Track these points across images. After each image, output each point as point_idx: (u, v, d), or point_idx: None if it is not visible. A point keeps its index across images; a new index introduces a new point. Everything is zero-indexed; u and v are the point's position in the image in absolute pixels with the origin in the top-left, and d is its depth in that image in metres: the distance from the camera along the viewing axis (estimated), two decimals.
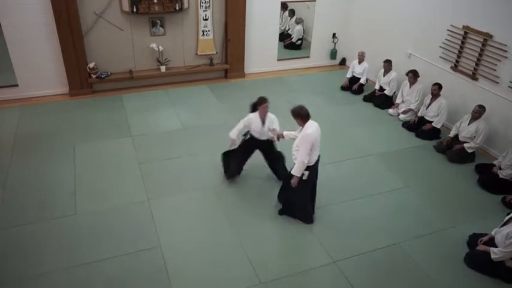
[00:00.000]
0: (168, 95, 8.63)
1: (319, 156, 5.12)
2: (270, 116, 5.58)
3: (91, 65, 8.23)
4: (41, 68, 8.02)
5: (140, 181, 6.01)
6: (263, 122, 5.55)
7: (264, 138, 5.68)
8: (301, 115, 4.87)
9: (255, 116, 5.58)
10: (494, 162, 6.41)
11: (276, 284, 4.53)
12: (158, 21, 8.45)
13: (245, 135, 5.79)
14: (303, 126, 4.91)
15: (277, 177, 6.02)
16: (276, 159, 5.96)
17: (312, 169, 5.05)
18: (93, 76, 8.31)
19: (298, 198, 5.23)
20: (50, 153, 6.54)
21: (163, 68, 8.76)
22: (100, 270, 4.58)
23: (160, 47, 8.48)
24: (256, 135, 5.68)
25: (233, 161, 5.92)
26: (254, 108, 5.62)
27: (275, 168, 6.03)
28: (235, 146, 5.77)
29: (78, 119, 7.55)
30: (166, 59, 8.74)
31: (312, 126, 4.88)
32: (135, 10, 7.98)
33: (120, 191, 5.81)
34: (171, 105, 8.20)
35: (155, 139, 7.05)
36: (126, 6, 7.95)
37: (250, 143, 5.81)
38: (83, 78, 8.25)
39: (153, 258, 4.76)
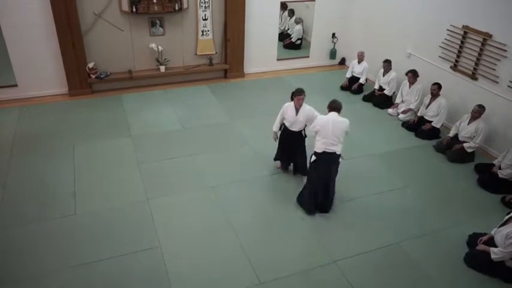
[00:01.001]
0: (167, 95, 8.63)
1: (332, 153, 5.20)
2: (305, 108, 5.69)
3: (90, 65, 8.22)
4: (40, 68, 8.01)
5: (140, 181, 6.01)
6: (297, 111, 5.68)
7: (295, 129, 5.78)
8: (329, 106, 5.32)
9: (290, 105, 5.74)
10: (494, 161, 6.41)
11: (276, 284, 4.53)
12: (158, 21, 8.45)
13: (281, 127, 5.98)
14: None
15: (294, 171, 6.22)
16: (300, 153, 6.00)
17: (321, 159, 5.22)
18: (93, 76, 8.30)
19: (307, 184, 5.56)
20: (49, 153, 6.54)
21: (162, 68, 8.76)
22: (99, 271, 4.57)
23: (160, 47, 8.48)
24: (287, 123, 5.79)
25: (281, 155, 6.19)
26: (292, 97, 5.78)
27: (295, 162, 6.13)
28: (277, 139, 6.07)
29: (78, 119, 7.55)
30: (165, 59, 8.74)
31: (328, 115, 5.26)
32: (134, 10, 7.97)
33: (119, 191, 5.80)
34: (170, 105, 8.20)
35: (154, 139, 7.05)
36: (125, 6, 7.95)
37: (284, 135, 5.95)
38: (82, 78, 8.24)
39: (152, 259, 4.76)
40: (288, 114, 5.72)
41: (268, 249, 4.99)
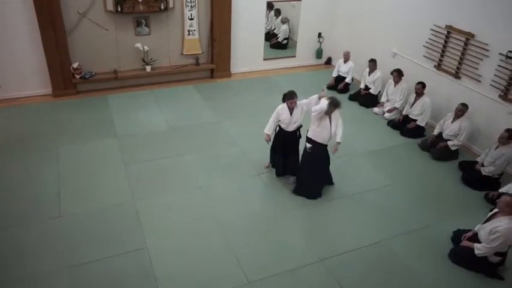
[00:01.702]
0: (153, 95, 8.57)
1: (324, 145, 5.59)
2: (300, 104, 5.71)
3: (75, 65, 8.12)
4: (22, 68, 7.88)
5: (126, 182, 5.96)
6: (291, 112, 5.69)
7: (291, 129, 5.78)
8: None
9: (283, 107, 5.73)
10: (477, 159, 6.52)
11: (264, 283, 4.54)
12: (143, 21, 8.39)
13: (275, 128, 5.96)
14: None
15: (286, 170, 6.16)
16: (293, 152, 5.98)
17: (315, 146, 5.56)
18: (77, 76, 8.20)
19: (300, 171, 5.91)
20: (33, 155, 6.43)
21: (148, 68, 8.70)
22: (85, 273, 4.52)
23: (146, 47, 8.41)
24: (283, 125, 5.79)
25: (276, 161, 6.13)
26: (284, 100, 5.79)
27: (287, 161, 6.06)
28: (271, 141, 6.01)
29: (62, 120, 7.44)
30: (151, 58, 8.68)
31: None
32: (119, 9, 7.89)
33: (105, 192, 5.74)
34: (156, 106, 8.14)
35: (141, 140, 7.00)
36: (110, 6, 7.87)
37: (279, 136, 5.94)
38: (66, 78, 8.13)
39: (139, 260, 4.72)
40: (283, 117, 5.71)
41: (256, 249, 5.00)
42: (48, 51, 7.77)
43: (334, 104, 5.32)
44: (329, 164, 5.94)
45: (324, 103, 5.38)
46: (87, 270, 4.56)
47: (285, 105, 5.71)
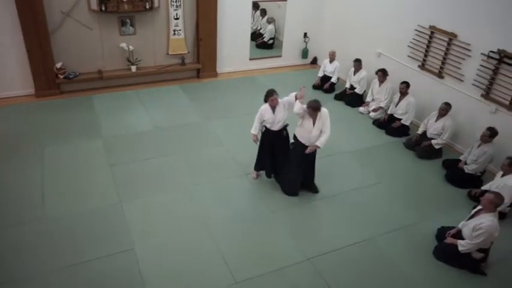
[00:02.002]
0: (139, 95, 8.50)
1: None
2: (282, 102, 5.66)
3: (58, 65, 8.00)
4: (4, 68, 7.73)
5: (112, 183, 5.90)
6: (273, 110, 5.67)
7: (276, 128, 5.75)
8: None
9: (265, 107, 5.70)
10: (460, 157, 6.64)
11: (252, 283, 4.55)
12: (128, 20, 8.31)
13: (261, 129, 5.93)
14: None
15: (275, 170, 6.10)
16: (283, 152, 5.95)
17: (297, 143, 5.63)
18: (61, 76, 8.08)
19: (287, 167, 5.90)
20: (16, 157, 6.32)
21: (134, 68, 8.62)
22: (71, 276, 4.47)
23: (131, 47, 8.34)
24: (268, 125, 5.76)
25: (264, 161, 6.05)
26: (265, 100, 5.75)
27: (277, 161, 6.02)
28: (258, 141, 5.95)
29: (46, 121, 7.33)
30: (137, 58, 8.60)
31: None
32: (103, 9, 7.81)
33: (91, 194, 5.68)
34: (142, 106, 8.08)
35: (127, 140, 6.93)
36: (94, 5, 7.78)
37: (265, 136, 5.90)
38: (50, 78, 8.01)
39: (126, 261, 4.69)
40: (267, 117, 5.68)
41: (243, 249, 5.00)
42: (30, 51, 7.64)
43: (312, 108, 5.30)
44: (312, 168, 5.89)
45: (299, 105, 5.38)
46: (72, 273, 4.51)
47: (267, 105, 5.69)
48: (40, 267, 4.54)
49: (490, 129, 6.08)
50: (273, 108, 5.65)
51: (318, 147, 5.56)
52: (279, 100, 5.64)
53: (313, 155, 5.76)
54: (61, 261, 4.62)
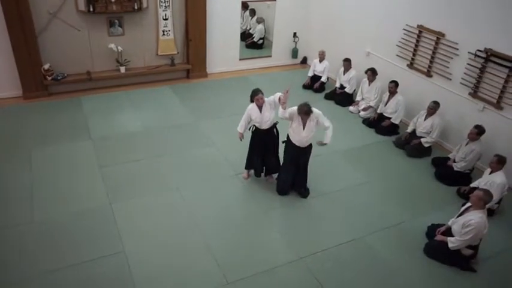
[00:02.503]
0: (128, 96, 8.43)
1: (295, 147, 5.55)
2: (268, 101, 5.64)
3: (46, 67, 7.91)
4: None
5: (101, 185, 5.85)
6: (260, 110, 5.66)
7: (265, 127, 5.74)
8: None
9: (252, 107, 5.70)
10: (449, 155, 6.70)
11: (244, 284, 4.54)
12: (116, 21, 8.25)
13: (250, 128, 5.90)
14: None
15: (266, 169, 6.11)
16: (273, 151, 5.95)
17: (288, 143, 5.63)
18: (49, 78, 7.99)
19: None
20: (4, 160, 6.23)
21: (123, 69, 8.56)
22: (61, 279, 4.42)
23: (119, 47, 8.28)
24: (257, 125, 5.76)
25: (254, 160, 6.02)
26: (251, 100, 5.74)
27: (269, 162, 6.01)
28: (243, 139, 5.95)
29: (34, 123, 7.24)
30: (125, 59, 8.54)
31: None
32: (91, 9, 7.74)
33: (80, 196, 5.62)
34: (132, 107, 8.02)
35: (116, 142, 6.88)
36: (82, 6, 7.70)
37: (256, 135, 5.89)
38: (37, 80, 7.92)
39: (116, 264, 4.65)
40: (254, 116, 5.70)
41: (235, 249, 4.99)
42: (17, 52, 7.55)
43: (304, 112, 5.29)
44: (305, 171, 5.83)
45: (281, 110, 5.38)
46: (62, 276, 4.45)
47: (254, 104, 5.69)
48: (29, 271, 4.48)
49: (478, 127, 6.15)
50: (260, 107, 5.65)
51: (326, 144, 5.60)
52: (265, 99, 5.63)
53: (305, 157, 5.73)
54: (50, 265, 4.57)
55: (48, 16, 7.69)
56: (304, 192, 5.92)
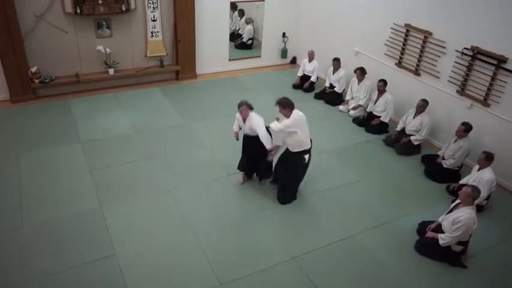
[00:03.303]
0: (117, 98, 8.37)
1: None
2: (252, 119, 5.57)
3: (33, 69, 7.81)
4: None
5: (92, 188, 5.80)
6: (244, 121, 5.69)
7: (251, 134, 5.73)
8: (289, 105, 5.25)
9: (238, 115, 5.77)
10: (438, 153, 6.77)
11: (236, 284, 4.53)
12: (104, 23, 8.18)
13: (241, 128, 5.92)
14: (289, 117, 5.28)
15: (256, 174, 6.13)
16: (261, 156, 5.85)
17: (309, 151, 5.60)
18: (36, 81, 7.90)
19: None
20: None
21: (111, 71, 8.49)
22: (51, 284, 4.37)
23: (108, 49, 8.21)
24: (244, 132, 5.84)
25: (244, 162, 6.04)
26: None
27: (259, 166, 5.98)
28: (239, 138, 5.99)
29: (22, 126, 7.15)
30: (114, 61, 8.48)
31: (297, 114, 5.32)
32: (79, 11, 7.67)
33: (70, 200, 5.57)
34: (121, 109, 7.97)
35: (106, 144, 6.82)
36: (69, 7, 7.63)
37: (245, 139, 5.92)
38: (24, 83, 7.82)
39: (108, 267, 4.61)
40: (241, 124, 5.77)
41: (227, 250, 4.99)
42: (3, 55, 7.45)
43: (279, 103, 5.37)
44: (294, 177, 5.74)
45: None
46: (53, 281, 4.40)
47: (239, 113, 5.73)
48: (18, 276, 4.42)
49: (465, 124, 6.22)
50: (244, 119, 5.66)
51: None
52: (252, 114, 5.58)
53: (296, 163, 5.59)
54: (40, 270, 4.51)
55: (34, 18, 7.60)
56: (289, 197, 5.83)
